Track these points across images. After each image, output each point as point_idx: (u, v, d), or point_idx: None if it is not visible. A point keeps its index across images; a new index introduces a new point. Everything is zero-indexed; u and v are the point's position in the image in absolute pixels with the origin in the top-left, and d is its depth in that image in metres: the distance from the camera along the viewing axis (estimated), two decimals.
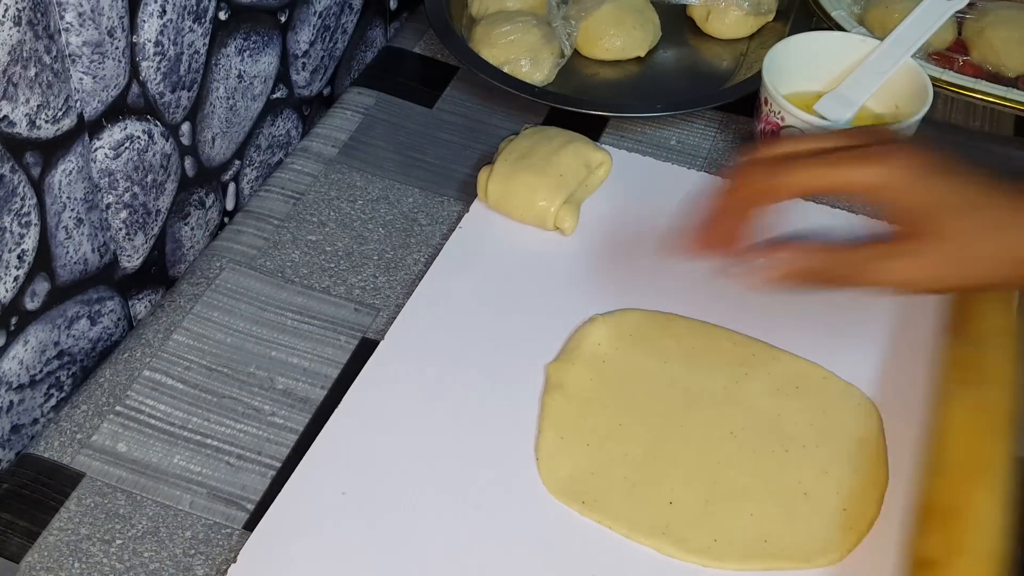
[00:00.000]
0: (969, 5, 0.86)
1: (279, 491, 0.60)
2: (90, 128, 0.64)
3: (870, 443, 0.62)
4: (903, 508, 0.59)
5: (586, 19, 0.89)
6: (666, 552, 0.57)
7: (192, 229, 0.77)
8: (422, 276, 0.71)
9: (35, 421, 0.67)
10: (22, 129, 0.58)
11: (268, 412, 0.65)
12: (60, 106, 0.60)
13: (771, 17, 0.93)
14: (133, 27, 0.64)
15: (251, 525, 0.59)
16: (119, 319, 0.73)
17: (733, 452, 0.62)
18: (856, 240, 0.54)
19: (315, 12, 0.83)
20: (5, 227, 0.59)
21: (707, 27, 0.93)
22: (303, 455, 0.61)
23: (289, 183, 0.79)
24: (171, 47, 0.67)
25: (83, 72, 0.61)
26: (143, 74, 0.66)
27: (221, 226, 0.81)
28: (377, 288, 0.72)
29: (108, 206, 0.68)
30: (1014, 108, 0.85)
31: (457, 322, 0.68)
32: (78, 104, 0.62)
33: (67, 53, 0.60)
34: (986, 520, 0.54)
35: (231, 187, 0.81)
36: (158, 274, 0.75)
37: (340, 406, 0.64)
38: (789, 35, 0.84)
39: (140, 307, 0.75)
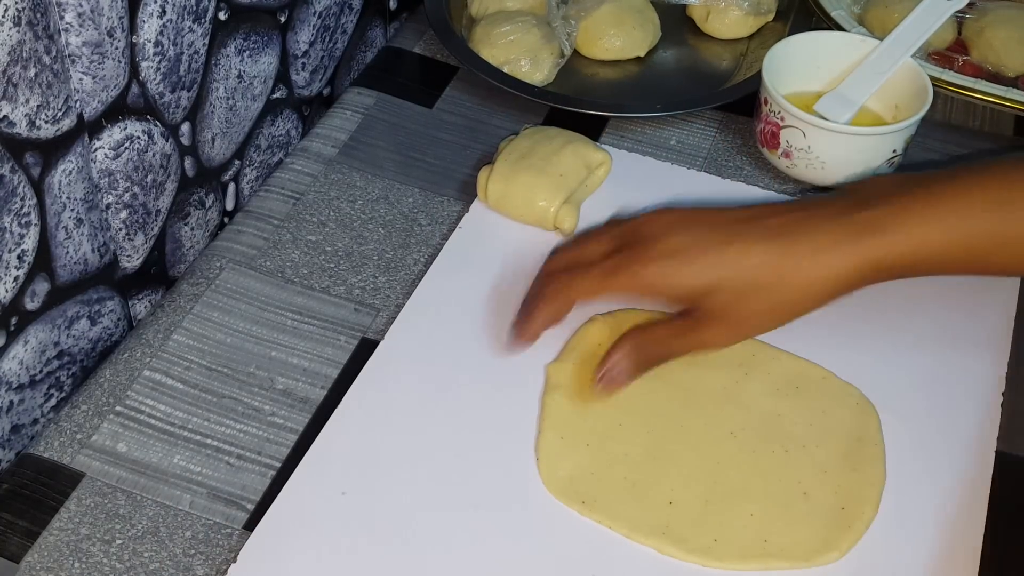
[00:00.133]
0: (969, 5, 0.86)
1: (279, 491, 0.60)
2: (90, 128, 0.64)
3: (868, 442, 0.62)
4: (901, 507, 0.59)
5: (586, 19, 0.89)
6: (666, 552, 0.57)
7: (192, 229, 0.77)
8: (422, 276, 0.71)
9: (35, 421, 0.67)
10: (22, 129, 0.58)
11: (268, 412, 0.65)
12: (60, 106, 0.60)
13: (771, 17, 0.93)
14: (133, 27, 0.64)
15: (251, 525, 0.59)
16: (119, 319, 0.73)
17: (733, 452, 0.62)
18: (658, 326, 0.61)
19: (315, 12, 0.83)
20: (5, 227, 0.59)
21: (707, 27, 0.93)
22: (303, 455, 0.61)
23: (289, 183, 0.79)
24: (171, 47, 0.67)
25: (83, 72, 0.61)
26: (143, 74, 0.66)
27: (221, 226, 0.81)
28: (377, 288, 0.72)
29: (108, 206, 0.68)
30: (1014, 108, 0.85)
31: (457, 322, 0.68)
32: (78, 104, 0.62)
33: (67, 53, 0.60)
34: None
35: (231, 187, 0.81)
36: (158, 274, 0.75)
37: (340, 406, 0.64)
38: (789, 35, 0.84)
39: (140, 307, 0.75)
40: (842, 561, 0.57)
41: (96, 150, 0.65)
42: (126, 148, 0.67)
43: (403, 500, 0.59)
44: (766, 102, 0.77)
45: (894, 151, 0.75)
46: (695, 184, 0.78)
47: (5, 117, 0.56)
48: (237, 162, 0.80)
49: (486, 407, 0.64)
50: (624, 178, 0.78)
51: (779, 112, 0.75)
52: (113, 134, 0.66)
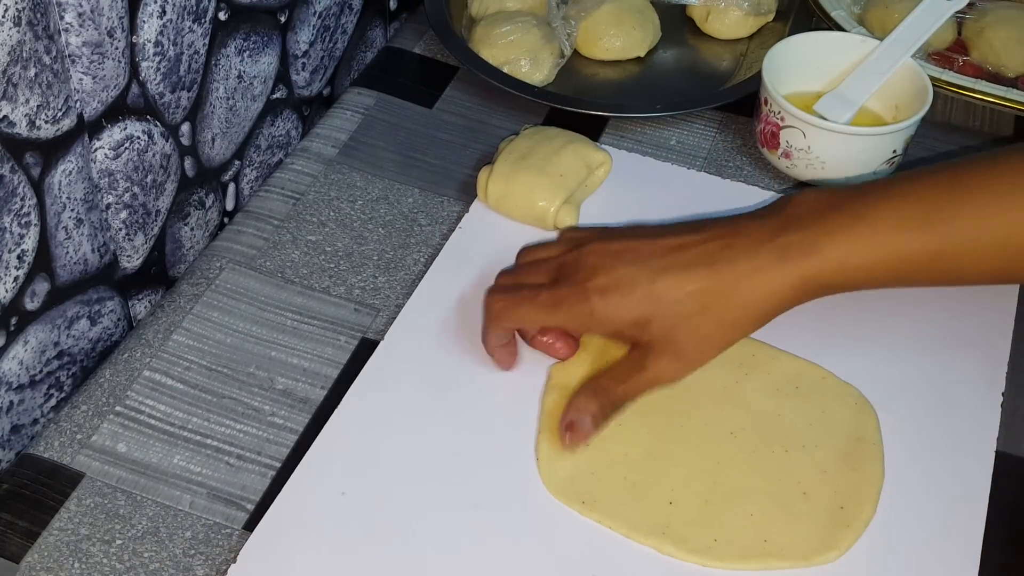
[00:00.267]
0: (969, 5, 0.86)
1: (279, 491, 0.60)
2: (90, 128, 0.64)
3: (867, 442, 0.62)
4: (901, 507, 0.59)
5: (586, 19, 0.89)
6: (666, 552, 0.58)
7: (192, 229, 0.77)
8: (422, 276, 0.71)
9: (35, 421, 0.67)
10: (22, 129, 0.58)
11: (268, 412, 0.65)
12: (60, 106, 0.60)
13: (771, 17, 0.93)
14: (133, 27, 0.64)
15: (251, 525, 0.59)
16: (119, 319, 0.73)
17: (733, 452, 0.62)
18: (608, 372, 0.62)
19: (315, 12, 0.83)
20: (5, 227, 0.59)
21: (707, 27, 0.93)
22: (303, 455, 0.61)
23: (289, 183, 0.79)
24: (171, 47, 0.67)
25: (83, 72, 0.61)
26: (143, 74, 0.66)
27: (221, 226, 0.81)
28: (377, 288, 0.72)
29: (108, 206, 0.68)
30: (1014, 108, 0.85)
31: (457, 322, 0.68)
32: (78, 104, 0.62)
33: (67, 53, 0.60)
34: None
35: (231, 187, 0.81)
36: (158, 274, 0.75)
37: (340, 406, 0.64)
38: (789, 35, 0.84)
39: (140, 307, 0.75)
40: (842, 560, 0.57)
41: (96, 150, 0.65)
42: (126, 148, 0.67)
43: (403, 500, 0.59)
44: (766, 102, 0.77)
45: (894, 151, 0.75)
46: (695, 184, 0.78)
47: (5, 117, 0.56)
48: (237, 162, 0.80)
49: (486, 407, 0.64)
50: (624, 178, 0.78)
51: (779, 112, 0.75)
52: (113, 134, 0.66)
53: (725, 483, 0.60)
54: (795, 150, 0.76)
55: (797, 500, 0.59)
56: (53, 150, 0.61)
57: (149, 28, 0.65)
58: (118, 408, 0.65)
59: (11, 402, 0.64)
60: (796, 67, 0.80)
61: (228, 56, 0.74)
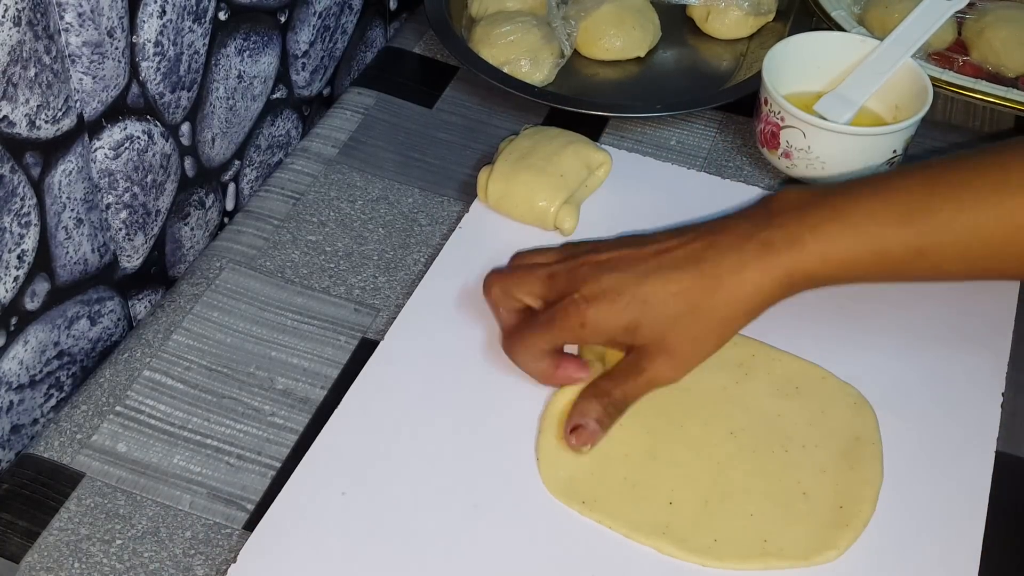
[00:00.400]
0: (969, 5, 0.86)
1: (279, 491, 0.60)
2: (90, 128, 0.64)
3: (866, 441, 0.62)
4: (902, 507, 0.59)
5: (586, 19, 0.89)
6: (666, 552, 0.58)
7: (192, 229, 0.77)
8: (422, 276, 0.71)
9: (35, 421, 0.67)
10: (22, 129, 0.58)
11: (268, 412, 0.65)
12: (60, 106, 0.60)
13: (771, 17, 0.93)
14: (133, 27, 0.64)
15: (251, 525, 0.59)
16: (119, 319, 0.73)
17: (733, 452, 0.62)
18: (607, 376, 0.62)
19: (315, 12, 0.83)
20: (5, 227, 0.59)
21: (707, 27, 0.93)
22: (303, 455, 0.61)
23: (289, 183, 0.79)
24: (171, 47, 0.67)
25: (83, 72, 0.61)
26: (143, 74, 0.66)
27: (221, 226, 0.81)
28: (377, 288, 0.72)
29: (108, 206, 0.68)
30: (1014, 108, 0.85)
31: (457, 322, 0.68)
32: (78, 104, 0.62)
33: (67, 53, 0.60)
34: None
35: (231, 187, 0.81)
36: (158, 274, 0.75)
37: (340, 406, 0.64)
38: (789, 35, 0.84)
39: (140, 307, 0.75)
40: (842, 560, 0.57)
41: (96, 150, 0.65)
42: (126, 148, 0.67)
43: (403, 500, 0.59)
44: (766, 102, 0.77)
45: (894, 151, 0.75)
46: (695, 184, 0.78)
47: (5, 117, 0.56)
48: (237, 162, 0.80)
49: (486, 407, 0.64)
50: (624, 178, 0.78)
51: (779, 112, 0.75)
52: (113, 134, 0.66)
53: (725, 483, 0.60)
54: (795, 150, 0.76)
55: (797, 500, 0.59)
56: (53, 150, 0.61)
57: (149, 28, 0.65)
58: (118, 408, 0.65)
59: (11, 402, 0.64)
60: (796, 67, 0.80)
61: (228, 56, 0.74)
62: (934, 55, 0.90)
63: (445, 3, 0.92)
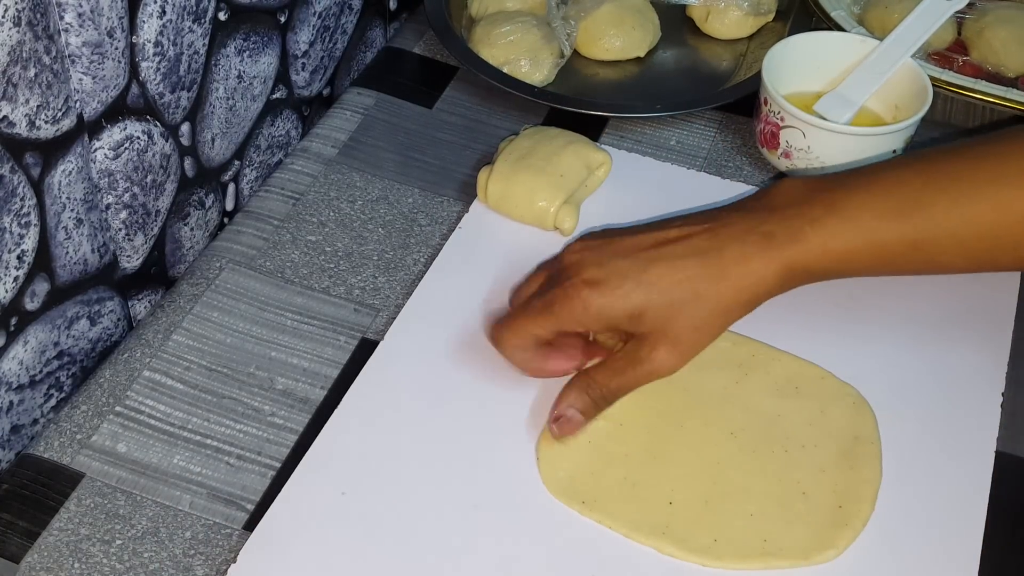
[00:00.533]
0: (969, 5, 0.86)
1: (279, 491, 0.60)
2: (90, 128, 0.64)
3: (865, 441, 0.62)
4: (901, 506, 0.59)
5: (586, 19, 0.89)
6: (666, 552, 0.58)
7: (192, 229, 0.77)
8: (422, 276, 0.71)
9: (35, 421, 0.67)
10: (22, 129, 0.58)
11: (268, 412, 0.65)
12: (60, 106, 0.60)
13: (771, 17, 0.93)
14: (133, 27, 0.64)
15: (251, 525, 0.59)
16: (119, 319, 0.73)
17: (733, 452, 0.62)
18: (603, 365, 0.61)
19: (315, 12, 0.83)
20: (5, 227, 0.59)
21: (707, 27, 0.93)
22: (303, 455, 0.61)
23: (289, 183, 0.79)
24: (171, 47, 0.67)
25: (83, 72, 0.61)
26: (143, 74, 0.66)
27: (221, 226, 0.81)
28: (377, 288, 0.72)
29: (108, 206, 0.68)
30: (1014, 108, 0.85)
31: (457, 322, 0.68)
32: (78, 104, 0.62)
33: (67, 53, 0.60)
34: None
35: (231, 187, 0.81)
36: (158, 274, 0.75)
37: (340, 406, 0.64)
38: (789, 35, 0.84)
39: (140, 307, 0.75)
40: (841, 559, 0.57)
41: (96, 150, 0.65)
42: (126, 148, 0.67)
43: (403, 500, 0.59)
44: (766, 102, 0.77)
45: (894, 151, 0.75)
46: (695, 184, 0.78)
47: (5, 117, 0.56)
48: (237, 162, 0.80)
49: (486, 407, 0.64)
50: (624, 178, 0.78)
51: (779, 112, 0.75)
52: (113, 134, 0.66)
53: (725, 483, 0.60)
54: (795, 150, 0.76)
55: (796, 500, 0.60)
56: (53, 150, 0.61)
57: (149, 28, 0.65)
58: (118, 408, 0.65)
59: (11, 402, 0.64)
60: (796, 67, 0.80)
61: (228, 56, 0.74)
62: (934, 55, 0.90)
63: (445, 3, 0.92)
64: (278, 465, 0.62)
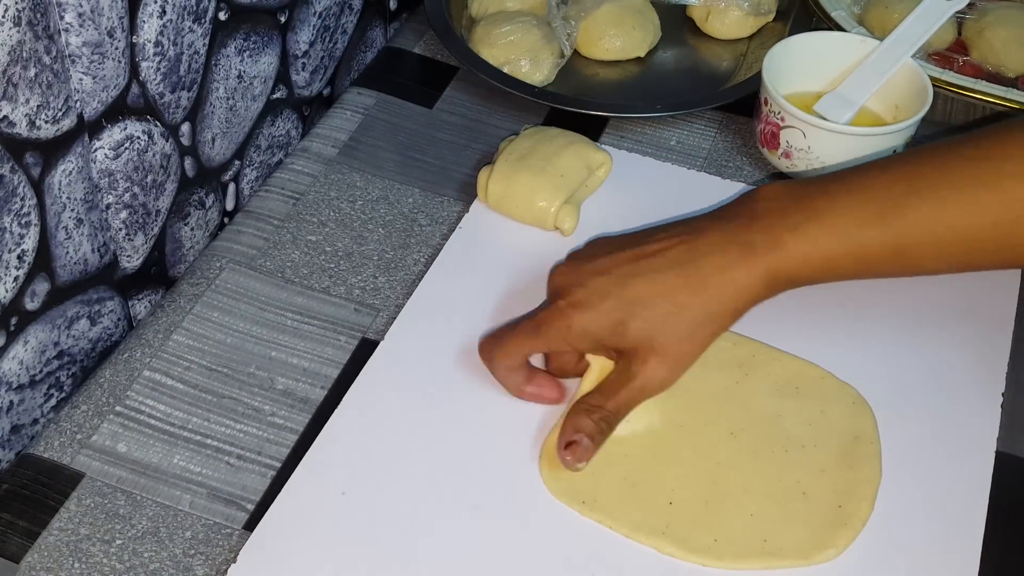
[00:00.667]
0: (969, 5, 0.86)
1: (279, 491, 0.60)
2: (90, 128, 0.64)
3: (865, 440, 0.62)
4: (900, 506, 0.59)
5: (586, 19, 0.89)
6: (666, 552, 0.58)
7: (192, 229, 0.77)
8: (422, 276, 0.71)
9: (35, 421, 0.67)
10: (22, 129, 0.58)
11: (268, 412, 0.65)
12: (60, 106, 0.60)
13: (771, 17, 0.93)
14: (133, 27, 0.64)
15: (251, 525, 0.59)
16: (119, 319, 0.73)
17: (733, 452, 0.62)
18: (597, 390, 0.61)
19: (315, 12, 0.83)
20: (5, 227, 0.59)
21: (707, 27, 0.93)
22: (303, 455, 0.61)
23: (289, 183, 0.79)
24: (171, 47, 0.67)
25: (83, 72, 0.61)
26: (143, 74, 0.66)
27: (221, 226, 0.81)
28: (377, 288, 0.72)
29: (108, 206, 0.68)
30: (1014, 108, 0.85)
31: (457, 322, 0.68)
32: (78, 104, 0.62)
33: (67, 53, 0.60)
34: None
35: (231, 187, 0.81)
36: (158, 274, 0.76)
37: (340, 406, 0.64)
38: (789, 35, 0.84)
39: (140, 307, 0.75)
40: (841, 559, 0.57)
41: (96, 150, 0.65)
42: (126, 148, 0.67)
43: (403, 500, 0.59)
44: (766, 102, 0.77)
45: (894, 151, 0.75)
46: (695, 184, 0.78)
47: (5, 117, 0.56)
48: (237, 162, 0.80)
49: (486, 407, 0.64)
50: (624, 178, 0.78)
51: (779, 112, 0.75)
52: (113, 134, 0.66)
53: (725, 483, 0.60)
54: (795, 150, 0.76)
55: (796, 500, 0.60)
56: (53, 150, 0.61)
57: (149, 28, 0.65)
58: (118, 408, 0.65)
59: (11, 402, 0.64)
60: (796, 67, 0.80)
61: (228, 56, 0.74)
62: (934, 55, 0.90)
63: (445, 3, 0.92)
64: (278, 465, 0.62)
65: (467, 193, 0.78)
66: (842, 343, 0.68)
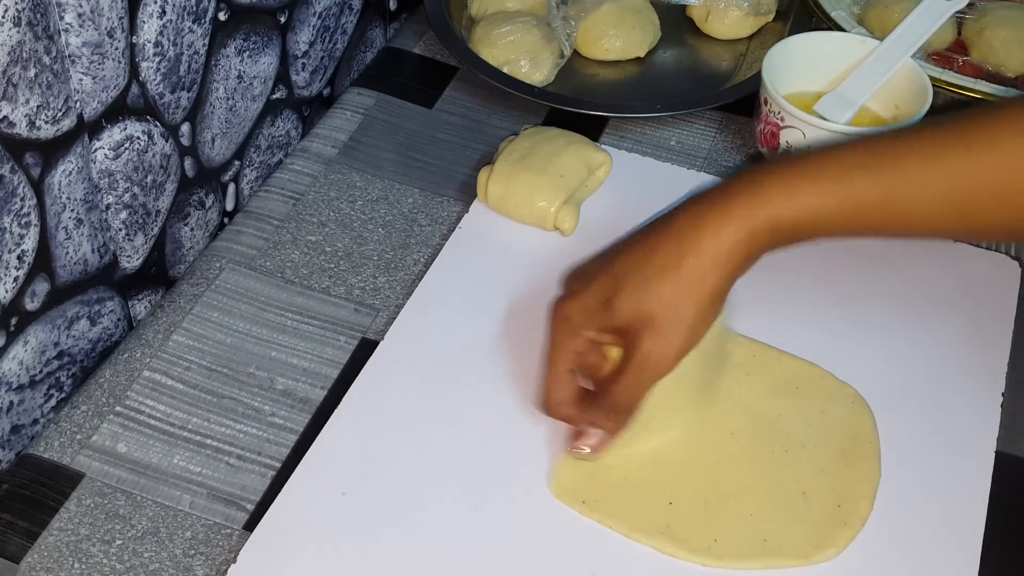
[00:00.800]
0: (969, 5, 0.86)
1: (279, 491, 0.60)
2: (90, 129, 0.64)
3: (864, 440, 0.62)
4: (900, 505, 0.59)
5: (586, 19, 0.89)
6: (666, 552, 0.58)
7: (192, 229, 0.77)
8: (422, 276, 0.71)
9: (35, 421, 0.67)
10: (22, 130, 0.58)
11: (268, 412, 0.65)
12: (60, 107, 0.60)
13: (771, 17, 0.93)
14: (133, 28, 0.64)
15: (251, 525, 0.59)
16: (119, 319, 0.73)
17: (733, 452, 0.62)
18: (608, 379, 0.60)
19: (315, 13, 0.83)
20: (5, 227, 0.59)
21: (707, 27, 0.93)
22: (303, 455, 0.61)
23: (289, 183, 0.79)
24: (171, 48, 0.67)
25: (83, 73, 0.61)
26: (143, 75, 0.66)
27: (221, 226, 0.81)
28: (377, 288, 0.72)
29: (108, 206, 0.68)
30: None
31: (457, 322, 0.68)
32: (78, 105, 0.62)
33: (67, 54, 0.60)
34: None
35: (231, 187, 0.81)
36: (158, 274, 0.76)
37: (340, 406, 0.64)
38: (789, 35, 0.84)
39: (140, 307, 0.75)
40: (841, 559, 0.57)
41: (96, 150, 0.65)
42: (126, 148, 0.67)
43: (403, 500, 0.59)
44: (766, 102, 0.77)
45: None
46: (695, 184, 0.78)
47: (5, 117, 0.56)
48: (237, 162, 0.80)
49: (486, 407, 0.64)
50: (624, 179, 0.78)
51: (779, 112, 0.76)
52: (113, 134, 0.66)
53: (725, 483, 0.60)
54: (795, 150, 0.76)
55: (796, 500, 0.60)
56: (53, 150, 0.61)
57: (149, 28, 0.65)
58: (118, 408, 0.65)
59: (11, 402, 0.64)
60: (796, 67, 0.80)
61: (228, 56, 0.74)
62: (934, 55, 0.90)
63: (445, 3, 0.92)
64: (278, 465, 0.62)
65: (467, 193, 0.78)
66: (842, 343, 0.68)
